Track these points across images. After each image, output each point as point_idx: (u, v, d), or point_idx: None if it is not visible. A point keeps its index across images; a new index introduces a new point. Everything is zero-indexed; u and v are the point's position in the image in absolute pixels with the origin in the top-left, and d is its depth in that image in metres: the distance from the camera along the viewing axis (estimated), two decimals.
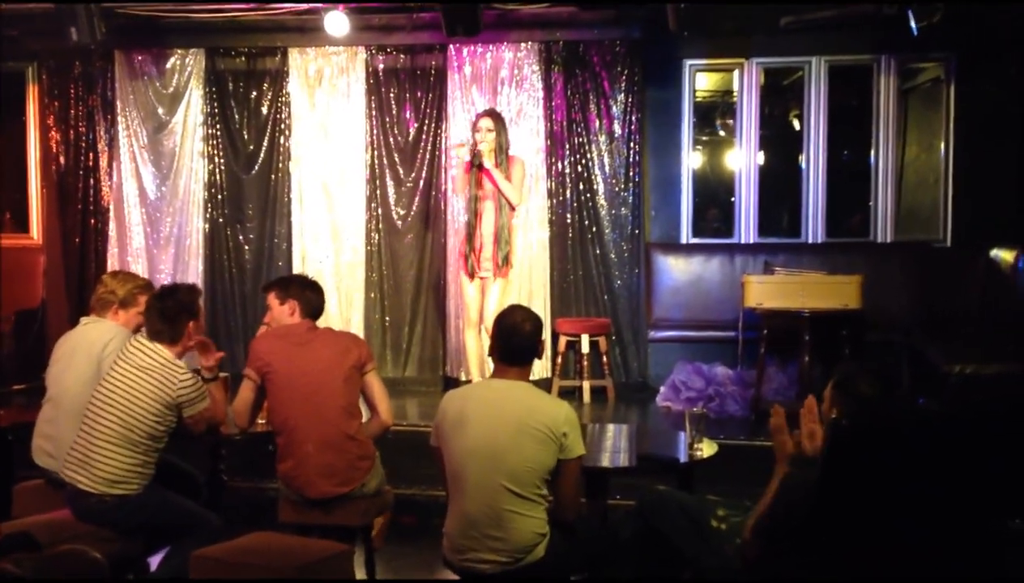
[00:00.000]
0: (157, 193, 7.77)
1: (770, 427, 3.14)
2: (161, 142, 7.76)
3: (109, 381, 3.85)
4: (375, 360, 4.33)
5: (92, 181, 7.85)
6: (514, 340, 3.49)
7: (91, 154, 7.85)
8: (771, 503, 3.12)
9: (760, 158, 7.73)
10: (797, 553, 2.96)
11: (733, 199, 7.73)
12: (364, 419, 4.22)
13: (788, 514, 3.03)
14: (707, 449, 4.12)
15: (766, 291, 6.23)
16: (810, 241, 7.54)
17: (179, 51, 7.69)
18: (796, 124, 7.94)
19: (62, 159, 7.89)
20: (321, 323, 7.34)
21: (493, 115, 6.37)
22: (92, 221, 7.86)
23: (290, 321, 4.20)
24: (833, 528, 2.83)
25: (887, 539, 2.81)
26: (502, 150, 6.22)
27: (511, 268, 6.36)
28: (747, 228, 7.64)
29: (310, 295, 4.27)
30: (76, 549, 2.44)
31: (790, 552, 3.01)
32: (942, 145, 7.46)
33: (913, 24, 6.42)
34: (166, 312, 3.93)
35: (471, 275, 6.36)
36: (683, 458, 4.12)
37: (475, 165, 6.20)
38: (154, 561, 4.01)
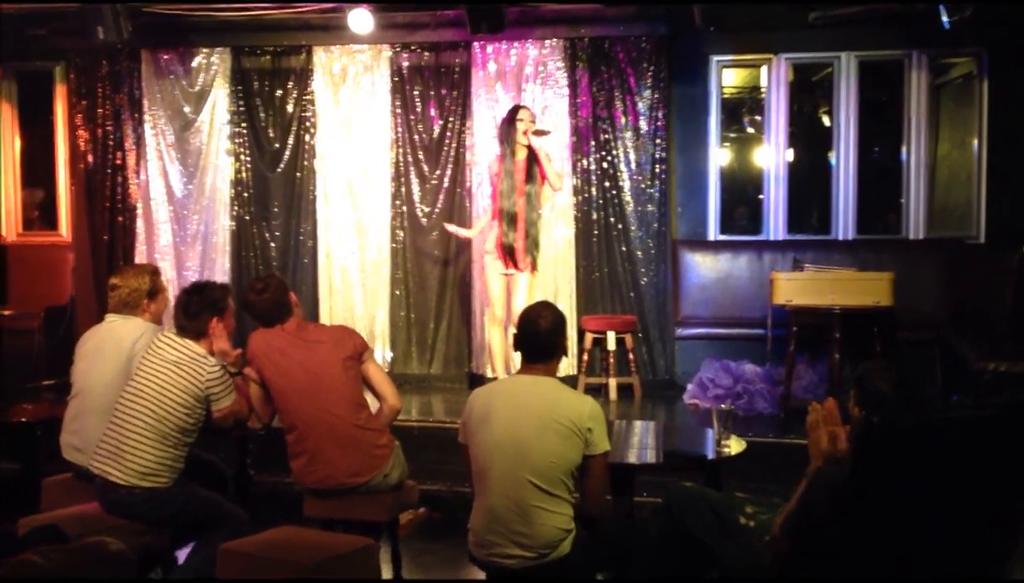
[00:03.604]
0: (184, 191, 7.81)
1: (807, 424, 3.12)
2: (187, 140, 7.80)
3: (140, 375, 3.87)
4: (371, 348, 4.25)
5: (120, 179, 7.91)
6: (531, 337, 3.48)
7: (118, 153, 7.91)
8: (800, 500, 3.09)
9: (789, 155, 7.64)
10: (826, 551, 2.92)
11: (761, 196, 7.66)
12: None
13: (817, 511, 2.99)
14: (735, 446, 4.07)
15: (795, 288, 6.16)
16: (840, 238, 7.45)
17: (205, 50, 7.74)
18: (826, 120, 7.85)
19: (90, 158, 7.95)
20: (347, 321, 7.45)
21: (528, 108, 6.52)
22: (120, 219, 7.92)
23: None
24: (862, 526, 2.79)
25: (916, 537, 2.76)
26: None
27: (536, 263, 6.40)
28: (776, 225, 7.56)
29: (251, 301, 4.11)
30: (102, 541, 2.43)
31: (819, 550, 2.97)
32: (975, 141, 7.34)
33: (945, 18, 6.32)
34: (190, 308, 3.95)
35: (516, 267, 6.34)
36: (711, 455, 4.07)
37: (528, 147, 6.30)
38: (181, 554, 4.02)
